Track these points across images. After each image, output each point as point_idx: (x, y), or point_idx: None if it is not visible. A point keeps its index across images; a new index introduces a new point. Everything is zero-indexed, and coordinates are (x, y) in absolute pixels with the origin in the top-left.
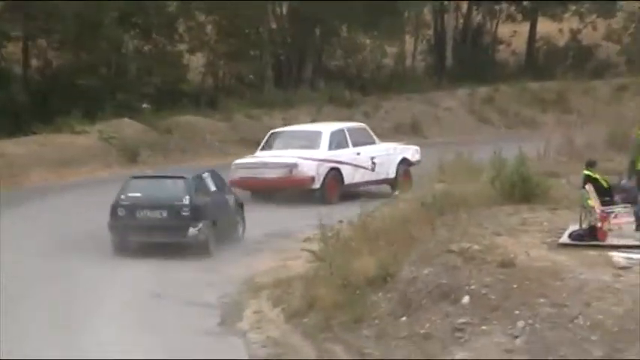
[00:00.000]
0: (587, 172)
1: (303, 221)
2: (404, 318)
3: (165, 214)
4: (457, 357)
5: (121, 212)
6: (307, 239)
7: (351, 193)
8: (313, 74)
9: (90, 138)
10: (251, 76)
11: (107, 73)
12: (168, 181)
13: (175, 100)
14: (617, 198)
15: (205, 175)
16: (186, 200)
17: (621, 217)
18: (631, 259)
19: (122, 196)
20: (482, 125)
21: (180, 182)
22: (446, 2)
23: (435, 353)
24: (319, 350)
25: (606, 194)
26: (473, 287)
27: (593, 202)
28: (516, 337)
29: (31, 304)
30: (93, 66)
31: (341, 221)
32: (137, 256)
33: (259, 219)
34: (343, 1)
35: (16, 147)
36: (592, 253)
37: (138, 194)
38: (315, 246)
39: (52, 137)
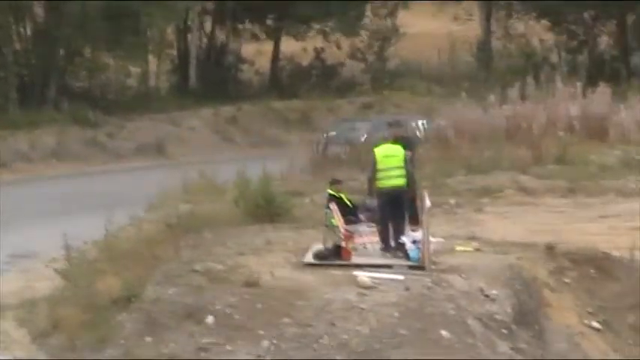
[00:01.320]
0: (331, 191)
1: (50, 241)
2: (149, 338)
3: (348, 149)
4: None
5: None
6: (53, 260)
7: None
8: (57, 95)
9: None
10: None
11: None
12: (359, 123)
13: None
14: (362, 217)
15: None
16: (363, 138)
17: (366, 236)
18: (375, 278)
19: (323, 134)
20: (227, 145)
21: (366, 124)
22: (189, 22)
23: None
24: None
25: (351, 213)
26: (217, 307)
27: (338, 221)
28: (261, 356)
29: None
30: None
31: (86, 242)
32: None
33: (4, 239)
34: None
35: None
36: (337, 272)
37: (333, 133)
38: (61, 266)
39: None
